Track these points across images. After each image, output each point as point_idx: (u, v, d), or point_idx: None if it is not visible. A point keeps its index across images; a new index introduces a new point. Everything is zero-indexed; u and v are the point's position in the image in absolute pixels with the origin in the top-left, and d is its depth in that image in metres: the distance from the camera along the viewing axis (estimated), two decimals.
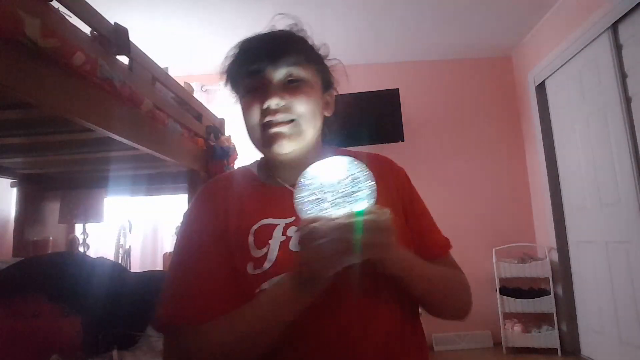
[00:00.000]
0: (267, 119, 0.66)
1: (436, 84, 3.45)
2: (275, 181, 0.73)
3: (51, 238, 2.16)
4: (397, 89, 3.23)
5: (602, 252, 2.45)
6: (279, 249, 0.63)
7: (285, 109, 0.66)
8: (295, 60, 0.68)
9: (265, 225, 0.66)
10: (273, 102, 0.65)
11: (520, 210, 3.27)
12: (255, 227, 0.66)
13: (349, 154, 0.74)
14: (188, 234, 0.69)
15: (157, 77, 1.57)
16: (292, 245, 0.64)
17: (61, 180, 2.23)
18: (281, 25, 0.74)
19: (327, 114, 0.76)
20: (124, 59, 1.35)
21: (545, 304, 2.84)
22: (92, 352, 1.05)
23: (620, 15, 2.12)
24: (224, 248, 0.65)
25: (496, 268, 3.01)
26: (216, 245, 0.66)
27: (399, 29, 2.98)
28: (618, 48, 2.22)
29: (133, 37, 1.34)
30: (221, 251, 0.65)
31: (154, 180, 2.21)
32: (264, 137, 0.67)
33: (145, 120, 1.43)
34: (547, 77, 2.95)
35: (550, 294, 2.85)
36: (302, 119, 0.67)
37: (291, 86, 0.67)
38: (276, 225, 0.66)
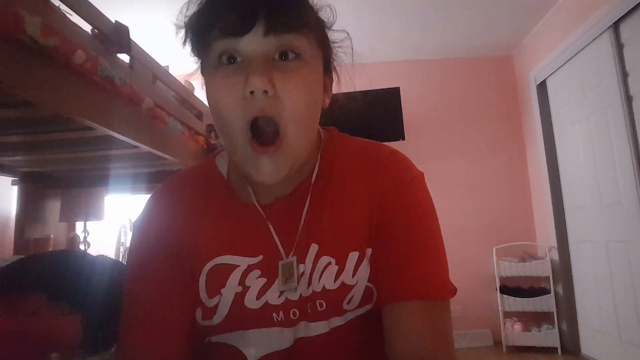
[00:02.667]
0: (246, 111, 0.46)
1: (437, 83, 3.44)
2: (244, 190, 0.56)
3: (52, 236, 2.16)
4: (398, 88, 3.23)
5: (603, 252, 2.44)
6: (231, 304, 0.52)
7: (273, 99, 0.45)
8: (294, 24, 0.46)
9: (220, 266, 0.53)
10: (257, 81, 0.43)
11: (521, 210, 3.27)
12: (208, 266, 0.53)
13: (344, 145, 0.60)
14: (137, 264, 0.55)
15: (157, 75, 1.57)
16: (249, 301, 0.52)
17: (62, 178, 2.23)
18: None
19: (324, 105, 0.56)
20: (124, 57, 1.35)
21: (546, 303, 2.84)
22: (92, 351, 1.05)
23: (622, 14, 2.12)
24: (176, 287, 0.53)
25: (496, 267, 3.01)
26: (167, 285, 0.53)
27: (400, 27, 2.97)
28: (619, 47, 2.21)
29: (134, 36, 1.34)
30: (172, 292, 0.53)
31: (154, 178, 2.21)
32: (244, 153, 0.48)
33: (145, 118, 1.43)
34: (548, 76, 2.94)
35: (550, 293, 2.85)
36: (294, 126, 0.47)
37: (285, 64, 0.46)
38: (234, 267, 0.52)
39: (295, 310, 0.52)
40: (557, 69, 2.81)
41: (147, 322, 0.51)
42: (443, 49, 3.34)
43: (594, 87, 2.45)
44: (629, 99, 2.17)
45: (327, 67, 0.56)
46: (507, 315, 2.96)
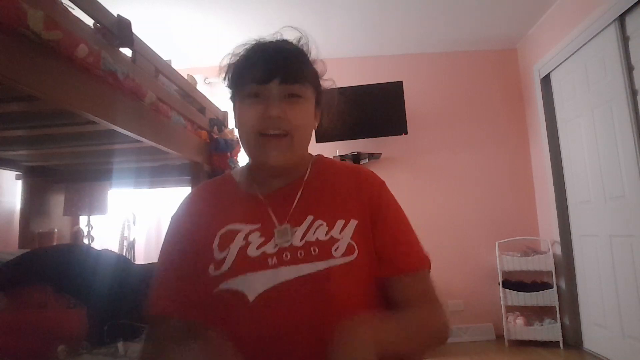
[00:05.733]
0: (265, 126, 0.70)
1: (440, 77, 3.43)
2: (250, 187, 0.79)
3: (56, 230, 2.18)
4: (401, 82, 3.21)
5: (606, 246, 2.44)
6: (237, 254, 0.70)
7: (284, 120, 0.70)
8: (299, 79, 0.73)
9: (230, 231, 0.73)
10: (274, 112, 0.69)
11: (524, 204, 3.26)
12: (221, 231, 0.73)
13: (330, 162, 0.83)
14: (168, 240, 0.77)
15: (160, 69, 1.57)
16: (250, 251, 0.70)
17: (65, 172, 2.24)
18: (288, 34, 0.79)
19: (314, 127, 0.81)
20: (127, 52, 1.35)
21: (548, 298, 2.85)
22: (98, 343, 1.06)
23: (628, 7, 2.10)
24: (193, 254, 0.73)
25: (499, 261, 3.01)
26: (187, 252, 0.73)
27: (403, 21, 2.95)
28: (625, 40, 2.19)
29: (136, 30, 1.33)
30: (190, 257, 0.73)
31: (157, 172, 2.22)
32: (257, 144, 0.72)
33: (148, 112, 1.43)
34: (553, 70, 2.92)
35: (553, 287, 2.85)
36: (297, 133, 0.72)
37: (292, 101, 0.72)
38: (239, 230, 0.72)
39: (287, 255, 0.69)
40: (562, 62, 2.78)
41: (172, 271, 0.73)
42: (446, 42, 3.31)
43: (599, 80, 2.43)
44: (634, 93, 2.15)
45: (318, 103, 0.80)
46: (510, 309, 2.97)
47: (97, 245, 2.53)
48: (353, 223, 0.72)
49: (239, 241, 0.71)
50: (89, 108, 1.09)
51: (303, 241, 0.70)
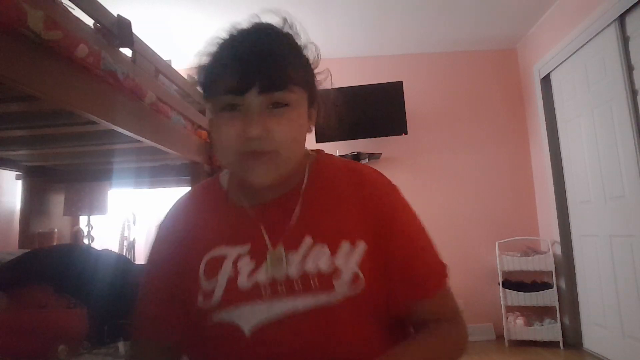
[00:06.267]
0: (245, 147, 0.58)
1: (440, 77, 3.43)
2: (240, 198, 0.68)
3: (56, 230, 2.18)
4: (401, 82, 3.21)
5: (606, 246, 2.44)
6: (226, 284, 0.61)
7: (268, 139, 0.58)
8: (284, 84, 0.59)
9: (216, 258, 0.64)
10: (254, 132, 0.57)
11: (524, 204, 3.27)
12: (207, 256, 0.64)
13: (330, 162, 0.71)
14: (153, 258, 0.71)
15: (160, 69, 1.57)
16: (241, 281, 0.61)
17: (65, 172, 2.24)
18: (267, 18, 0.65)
19: (309, 131, 0.68)
20: (127, 52, 1.35)
21: (548, 298, 2.85)
22: (98, 343, 1.06)
23: (628, 7, 2.10)
24: (178, 275, 0.66)
25: (499, 261, 3.01)
26: (172, 274, 0.67)
27: (403, 21, 2.95)
28: (625, 40, 2.19)
29: (136, 30, 1.33)
30: (176, 279, 0.66)
31: (157, 172, 2.22)
32: (238, 163, 0.60)
33: (148, 112, 1.43)
34: (553, 70, 2.92)
35: (553, 287, 2.85)
36: (285, 149, 0.60)
37: (276, 112, 0.59)
38: (226, 256, 0.63)
39: (282, 287, 0.59)
40: (562, 62, 2.78)
41: (156, 298, 0.68)
42: (446, 42, 3.31)
43: (599, 80, 2.43)
44: (634, 93, 2.15)
45: (312, 103, 0.68)
46: (510, 309, 2.97)
47: (97, 245, 2.53)
48: (361, 246, 0.61)
49: (227, 270, 0.62)
50: (89, 108, 1.09)
51: (301, 271, 0.59)
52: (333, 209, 0.64)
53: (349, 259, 0.60)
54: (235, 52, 0.59)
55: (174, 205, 0.75)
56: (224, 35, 0.63)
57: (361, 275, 0.59)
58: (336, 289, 0.58)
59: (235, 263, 0.62)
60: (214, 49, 0.63)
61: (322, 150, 0.75)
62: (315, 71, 0.68)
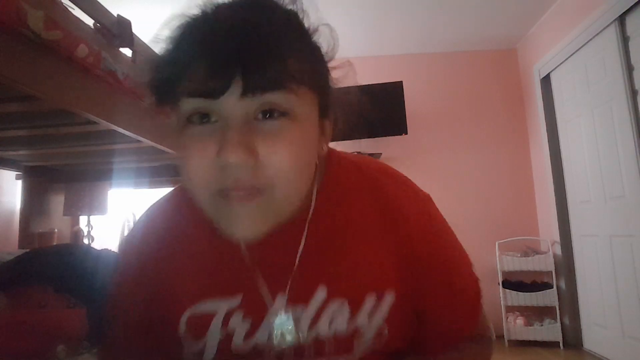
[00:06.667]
0: (220, 182, 0.38)
1: (440, 77, 3.42)
2: (227, 227, 0.44)
3: (56, 230, 2.18)
4: (401, 82, 3.21)
5: (606, 246, 2.44)
6: (217, 348, 0.48)
7: (256, 168, 0.38)
8: (282, 80, 0.38)
9: (199, 317, 0.48)
10: (232, 157, 0.36)
11: (524, 204, 3.26)
12: (188, 313, 0.48)
13: (345, 175, 0.52)
14: (117, 292, 0.54)
15: None
16: (236, 345, 0.47)
17: (65, 172, 2.24)
18: None
19: (322, 152, 0.49)
20: (127, 52, 1.35)
21: (548, 298, 2.84)
22: (98, 343, 1.06)
23: (628, 7, 2.09)
24: (152, 323, 0.51)
25: (499, 261, 3.01)
26: (143, 320, 0.52)
27: (403, 21, 2.95)
28: (625, 40, 2.19)
29: (136, 30, 1.33)
30: (148, 327, 0.52)
31: (157, 172, 2.22)
32: (214, 208, 0.41)
33: (148, 112, 1.43)
34: (553, 70, 2.92)
35: (553, 287, 2.84)
36: (283, 184, 0.39)
37: (269, 125, 0.39)
38: (214, 313, 0.48)
39: (291, 352, 0.47)
40: (562, 62, 2.78)
41: (127, 326, 0.53)
42: (446, 42, 3.31)
43: (599, 80, 2.43)
44: (634, 93, 2.15)
45: (325, 109, 0.46)
46: (510, 309, 2.97)
47: (97, 245, 2.53)
48: (389, 298, 0.47)
49: (215, 331, 0.48)
50: (89, 108, 1.09)
51: (313, 335, 0.46)
52: (351, 247, 0.48)
53: (374, 316, 0.47)
54: (206, 34, 0.38)
55: (146, 223, 0.56)
56: (194, 12, 0.42)
57: (386, 330, 0.48)
58: (355, 349, 0.47)
59: (225, 323, 0.48)
60: (176, 32, 0.42)
61: (333, 155, 0.54)
62: (331, 65, 0.48)
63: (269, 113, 0.39)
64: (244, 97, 0.38)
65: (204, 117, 0.40)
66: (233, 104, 0.38)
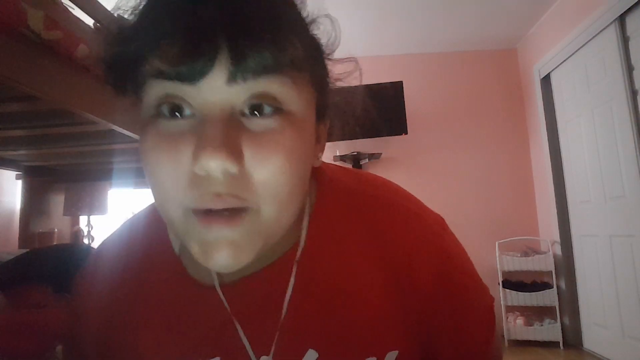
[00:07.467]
0: (196, 199, 0.30)
1: (440, 77, 3.43)
2: (199, 271, 0.40)
3: (56, 230, 2.18)
4: (401, 82, 3.21)
5: (606, 246, 2.44)
6: None
7: (239, 178, 0.30)
8: (278, 60, 0.30)
9: None
10: (212, 164, 0.28)
11: (524, 204, 3.26)
12: None
13: (338, 203, 0.42)
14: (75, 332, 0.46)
15: None
16: None
17: (66, 172, 2.24)
18: None
19: (317, 163, 0.41)
20: None
21: (548, 298, 2.84)
22: None
23: (628, 7, 2.09)
24: None
25: (499, 261, 3.01)
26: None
27: (403, 21, 2.95)
28: (625, 40, 2.19)
29: None
30: None
31: None
32: (184, 234, 0.32)
33: None
34: (553, 70, 2.92)
35: (553, 287, 2.85)
36: (271, 202, 0.31)
37: (260, 123, 0.31)
38: None
39: None
40: (562, 62, 2.78)
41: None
42: (446, 42, 3.31)
43: (599, 80, 2.43)
44: (634, 93, 2.15)
45: (322, 109, 0.39)
46: (510, 309, 2.97)
47: (97, 245, 2.54)
48: (392, 356, 0.39)
49: None
50: (89, 108, 1.09)
51: None
52: (348, 298, 0.39)
53: None
54: (181, 2, 0.29)
55: (111, 247, 0.47)
56: None
57: None
58: None
59: None
60: (141, 2, 0.33)
61: (325, 174, 0.44)
62: (331, 61, 0.41)
63: (258, 108, 0.31)
64: (232, 82, 0.29)
65: (175, 109, 0.30)
66: (216, 90, 0.29)
